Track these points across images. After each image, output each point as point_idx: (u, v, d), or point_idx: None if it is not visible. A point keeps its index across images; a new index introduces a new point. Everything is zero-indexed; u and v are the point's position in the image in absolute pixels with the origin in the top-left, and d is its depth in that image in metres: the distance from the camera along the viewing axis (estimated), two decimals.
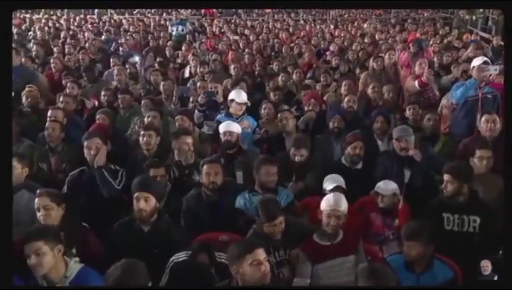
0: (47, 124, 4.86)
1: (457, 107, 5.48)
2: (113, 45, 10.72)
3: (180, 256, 3.17)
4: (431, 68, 6.85)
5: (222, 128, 4.78)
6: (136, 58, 9.32)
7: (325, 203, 3.44)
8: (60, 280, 2.78)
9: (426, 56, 7.59)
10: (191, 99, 6.39)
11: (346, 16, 19.33)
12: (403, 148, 4.52)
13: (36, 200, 3.34)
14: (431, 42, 10.48)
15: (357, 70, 8.31)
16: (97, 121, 5.37)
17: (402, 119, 5.76)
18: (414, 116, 5.52)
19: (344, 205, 3.44)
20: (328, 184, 4.05)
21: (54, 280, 2.78)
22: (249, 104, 5.51)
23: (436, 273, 3.17)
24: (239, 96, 5.44)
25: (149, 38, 11.40)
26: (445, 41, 11.75)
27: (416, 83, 6.39)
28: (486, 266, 3.05)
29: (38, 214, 3.29)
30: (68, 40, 10.82)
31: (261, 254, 2.73)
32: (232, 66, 8.12)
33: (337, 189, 3.90)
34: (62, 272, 2.79)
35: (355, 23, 16.40)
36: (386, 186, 3.91)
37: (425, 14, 18.94)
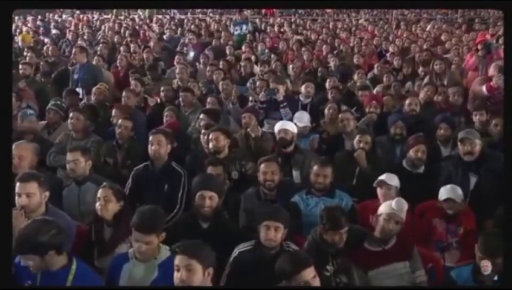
0: (119, 122, 4.92)
1: None
2: (180, 43, 10.98)
3: (246, 246, 3.18)
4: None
5: (277, 126, 4.79)
6: (191, 55, 9.51)
7: (387, 207, 3.39)
8: (150, 262, 2.98)
9: (496, 58, 7.24)
10: (250, 98, 6.43)
11: (409, 15, 18.76)
12: (467, 151, 4.27)
13: (100, 191, 3.47)
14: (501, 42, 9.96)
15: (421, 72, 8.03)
16: (165, 119, 5.53)
17: (468, 123, 5.54)
18: (481, 122, 5.28)
19: (405, 212, 3.39)
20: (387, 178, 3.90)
21: (147, 258, 3.00)
22: (311, 125, 5.42)
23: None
24: (301, 119, 5.29)
25: (210, 37, 11.56)
26: None
27: (484, 88, 6.12)
28: (486, 266, 2.90)
29: (97, 204, 3.43)
30: (133, 38, 11.18)
31: (308, 274, 2.67)
32: (291, 66, 8.11)
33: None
34: (156, 254, 3.01)
35: (420, 23, 15.90)
36: (443, 192, 3.81)
37: (495, 13, 18.01)
